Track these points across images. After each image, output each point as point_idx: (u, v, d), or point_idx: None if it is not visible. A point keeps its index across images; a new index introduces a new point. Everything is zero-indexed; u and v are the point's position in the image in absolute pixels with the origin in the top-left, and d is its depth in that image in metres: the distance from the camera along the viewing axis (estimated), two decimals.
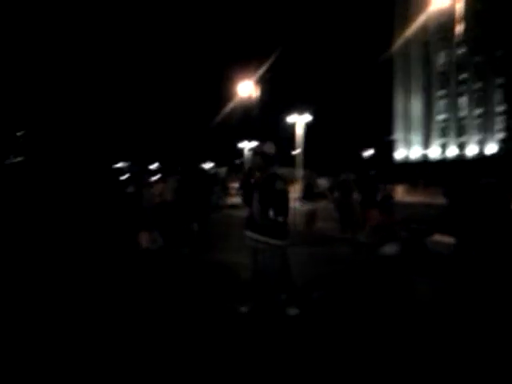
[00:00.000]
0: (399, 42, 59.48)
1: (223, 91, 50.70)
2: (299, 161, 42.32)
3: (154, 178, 19.91)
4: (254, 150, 5.22)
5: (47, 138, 69.35)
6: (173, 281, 6.70)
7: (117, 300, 5.65)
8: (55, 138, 69.36)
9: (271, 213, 4.86)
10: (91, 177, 31.43)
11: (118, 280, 6.69)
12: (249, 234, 5.09)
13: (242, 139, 56.50)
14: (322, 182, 12.49)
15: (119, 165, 61.76)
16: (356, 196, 10.98)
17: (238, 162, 62.26)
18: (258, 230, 4.99)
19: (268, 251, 4.97)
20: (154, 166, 52.81)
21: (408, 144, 61.75)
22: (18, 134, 70.38)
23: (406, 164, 59.09)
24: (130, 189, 20.38)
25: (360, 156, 57.72)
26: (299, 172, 41.60)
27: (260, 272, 5.07)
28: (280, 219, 4.88)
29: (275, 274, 5.00)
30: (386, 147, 59.10)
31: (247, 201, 5.15)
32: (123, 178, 23.71)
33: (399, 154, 62.04)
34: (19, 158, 51.70)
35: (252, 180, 5.20)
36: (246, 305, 5.14)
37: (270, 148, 5.13)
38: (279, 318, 4.97)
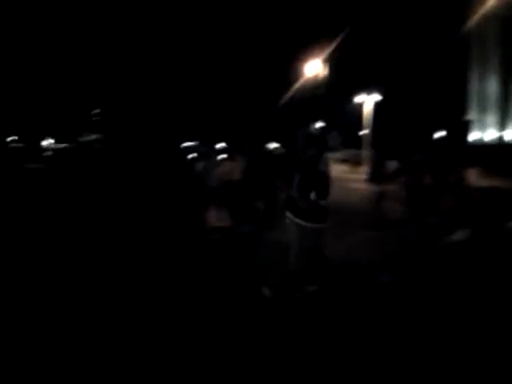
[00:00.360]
0: (475, 18, 56.11)
1: (290, 71, 50.19)
2: (366, 142, 41.41)
3: (222, 157, 20.22)
4: (299, 130, 5.13)
5: (121, 117, 72.02)
6: (224, 258, 6.81)
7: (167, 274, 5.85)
8: (128, 117, 71.89)
9: (313, 195, 4.75)
10: (160, 154, 32.47)
11: (177, 256, 6.92)
12: (288, 215, 4.99)
13: (308, 120, 55.99)
14: (393, 164, 12.15)
15: (187, 144, 63.18)
16: (427, 179, 10.62)
17: None
18: (296, 211, 4.89)
19: (303, 233, 4.86)
20: (220, 146, 53.54)
21: (482, 125, 58.62)
22: (93, 112, 73.67)
23: (480, 146, 56.22)
24: (198, 167, 20.86)
25: (431, 137, 55.50)
26: (366, 153, 40.79)
27: (295, 252, 4.97)
28: (322, 202, 4.78)
29: (305, 257, 4.88)
30: (460, 128, 56.40)
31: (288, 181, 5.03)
32: (191, 156, 24.21)
33: (473, 136, 59.11)
34: (94, 136, 54.29)
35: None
36: (275, 288, 5.04)
37: (313, 129, 5.04)
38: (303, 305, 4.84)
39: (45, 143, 62.79)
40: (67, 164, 30.72)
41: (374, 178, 11.40)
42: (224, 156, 19.96)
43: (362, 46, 59.10)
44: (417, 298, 5.15)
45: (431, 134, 56.13)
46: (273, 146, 49.30)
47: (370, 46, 60.53)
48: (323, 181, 4.82)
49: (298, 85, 47.07)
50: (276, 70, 63.40)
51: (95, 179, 22.36)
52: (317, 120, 53.19)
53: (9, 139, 58.79)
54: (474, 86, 60.53)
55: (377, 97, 41.85)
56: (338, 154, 49.03)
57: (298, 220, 4.87)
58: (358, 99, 42.85)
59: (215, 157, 24.12)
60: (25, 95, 69.28)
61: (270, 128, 57.26)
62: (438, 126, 56.27)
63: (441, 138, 56.15)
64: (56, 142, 60.85)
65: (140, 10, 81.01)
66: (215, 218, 8.78)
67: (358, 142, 47.57)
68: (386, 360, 3.67)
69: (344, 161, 42.76)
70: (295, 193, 4.86)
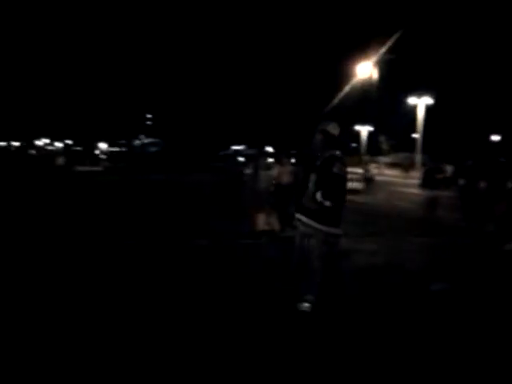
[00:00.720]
0: None
1: (340, 73, 49.74)
2: (419, 146, 40.45)
3: (270, 161, 20.26)
4: (317, 129, 4.85)
5: (173, 121, 73.68)
6: (270, 262, 6.82)
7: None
8: (180, 121, 73.44)
9: (318, 195, 4.55)
10: (210, 157, 33.04)
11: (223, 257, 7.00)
12: (298, 216, 4.78)
13: (358, 122, 55.28)
14: (447, 169, 11.85)
15: (235, 147, 63.79)
16: (483, 184, 10.29)
17: (353, 145, 61.04)
18: (307, 212, 4.68)
19: (313, 236, 4.62)
20: (269, 149, 53.68)
21: None
22: (148, 115, 75.76)
23: None
24: (248, 170, 20.95)
25: (488, 141, 53.47)
26: (419, 157, 39.83)
27: (304, 258, 4.71)
28: (327, 204, 4.53)
29: (314, 263, 4.62)
30: None
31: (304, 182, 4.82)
32: (241, 159, 24.45)
33: None
34: (150, 139, 55.91)
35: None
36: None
37: (333, 128, 4.78)
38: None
39: (101, 146, 65.09)
40: (123, 166, 31.77)
41: (426, 183, 11.13)
42: (272, 159, 20.01)
43: (414, 47, 57.77)
44: (472, 309, 4.99)
45: (486, 138, 54.09)
46: None
47: (422, 47, 59.09)
48: (334, 182, 4.59)
49: (348, 87, 46.56)
50: (325, 72, 63.02)
51: (149, 181, 23.04)
52: (366, 123, 52.46)
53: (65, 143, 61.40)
54: None
55: (428, 100, 40.83)
56: (388, 158, 48.21)
57: (306, 220, 4.66)
58: (410, 101, 41.93)
59: (263, 160, 24.26)
60: (80, 100, 72.07)
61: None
62: (492, 130, 54.17)
63: (497, 142, 53.98)
64: (110, 146, 62.93)
65: (195, 16, 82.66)
66: (264, 221, 8.82)
67: (410, 145, 46.52)
68: (437, 373, 3.59)
69: (395, 165, 41.87)
70: (310, 195, 4.65)
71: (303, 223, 4.71)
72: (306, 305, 4.57)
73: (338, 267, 4.95)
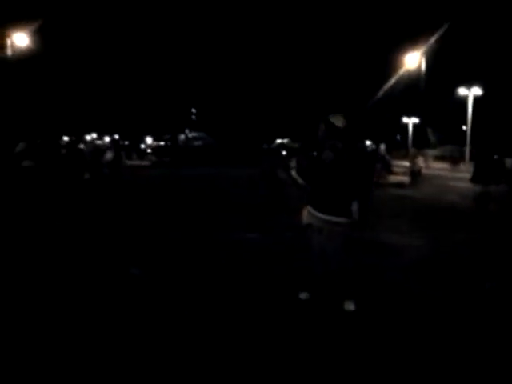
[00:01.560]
0: None
1: (388, 64, 48.67)
2: (468, 138, 39.17)
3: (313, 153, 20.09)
4: (321, 121, 4.76)
5: (217, 116, 74.39)
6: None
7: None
8: (223, 115, 74.06)
9: (354, 206, 4.45)
10: (253, 151, 33.08)
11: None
12: (311, 211, 4.70)
13: (405, 114, 54.03)
14: (508, 162, 11.35)
15: (279, 141, 63.66)
16: None
17: (398, 137, 59.74)
18: (323, 207, 4.59)
19: (332, 231, 4.54)
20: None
21: None
22: (193, 110, 76.76)
23: None
24: (291, 164, 20.81)
25: None
26: (467, 150, 38.59)
27: (321, 254, 4.68)
28: (351, 200, 4.46)
29: (337, 257, 4.58)
30: None
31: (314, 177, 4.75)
32: (283, 153, 24.36)
33: None
34: (194, 133, 56.69)
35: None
36: (306, 291, 4.82)
37: (337, 120, 4.67)
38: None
39: (147, 141, 66.41)
40: (169, 160, 32.31)
41: (477, 177, 10.77)
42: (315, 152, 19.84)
43: (464, 37, 55.78)
44: None
45: None
46: (367, 142, 48.12)
47: (472, 37, 56.98)
48: (356, 176, 4.50)
49: (395, 78, 45.50)
50: (373, 63, 61.83)
51: (194, 174, 23.39)
52: (413, 115, 51.21)
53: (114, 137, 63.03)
54: None
55: (477, 90, 39.38)
56: (435, 151, 46.90)
57: (323, 216, 4.58)
58: (459, 93, 40.60)
59: (307, 153, 24.18)
60: (126, 94, 73.70)
61: (364, 124, 56.05)
62: None
63: None
64: (155, 140, 64.11)
65: (236, 10, 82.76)
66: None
67: (457, 138, 45.11)
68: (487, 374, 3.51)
69: (442, 158, 40.72)
70: (323, 189, 4.60)
71: (320, 219, 4.62)
72: (351, 306, 4.56)
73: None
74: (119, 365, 3.43)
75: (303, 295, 4.84)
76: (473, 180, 10.94)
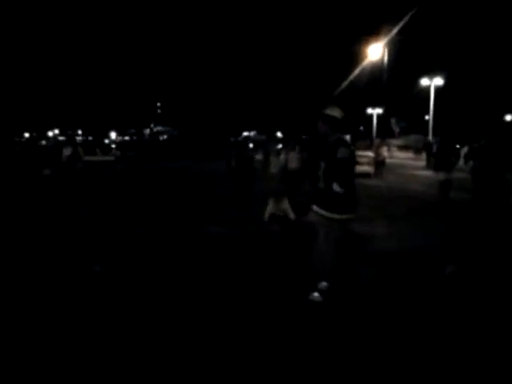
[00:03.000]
0: None
1: (351, 56, 49.12)
2: (430, 127, 39.95)
3: (280, 146, 20.23)
4: (319, 114, 4.78)
5: (182, 109, 73.62)
6: (281, 248, 6.83)
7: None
8: (189, 108, 73.35)
9: (335, 186, 4.48)
10: (219, 144, 33.02)
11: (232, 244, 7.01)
12: (313, 208, 4.68)
13: (369, 105, 54.73)
14: (463, 150, 11.69)
15: (245, 133, 63.63)
16: (493, 165, 10.12)
17: (362, 128, 60.56)
18: (321, 202, 4.60)
19: (327, 226, 4.59)
20: (278, 135, 53.46)
21: None
22: (158, 104, 75.85)
23: None
24: (258, 156, 20.83)
25: (502, 121, 52.60)
26: (430, 139, 39.36)
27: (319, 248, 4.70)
28: (339, 190, 4.47)
29: (330, 252, 4.61)
30: None
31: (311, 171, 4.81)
32: (250, 146, 24.27)
33: None
34: (160, 127, 56.13)
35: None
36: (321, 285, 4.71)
37: (335, 112, 4.71)
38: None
39: (112, 136, 65.30)
40: (134, 155, 31.79)
41: (438, 165, 10.99)
42: (281, 145, 19.93)
43: (425, 28, 56.78)
44: (485, 291, 4.93)
45: (502, 118, 53.20)
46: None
47: (434, 27, 58.11)
48: (341, 168, 4.51)
49: (358, 69, 45.96)
50: (336, 55, 62.36)
51: (159, 169, 23.09)
52: (377, 105, 51.92)
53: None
54: None
55: (439, 81, 40.19)
56: (399, 141, 47.71)
57: (323, 212, 4.57)
58: (421, 83, 41.33)
59: (274, 146, 24.21)
60: (90, 90, 72.25)
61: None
62: (507, 109, 53.24)
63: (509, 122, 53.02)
64: (120, 135, 63.13)
65: (205, 5, 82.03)
66: (277, 207, 8.76)
67: (421, 127, 45.99)
68: (452, 356, 3.55)
69: (406, 147, 41.44)
70: (321, 184, 4.58)
71: (316, 212, 4.64)
72: (316, 295, 4.57)
73: (350, 253, 4.88)
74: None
75: (322, 286, 4.66)
76: (435, 168, 11.15)
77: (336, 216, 4.56)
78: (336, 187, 4.51)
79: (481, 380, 3.21)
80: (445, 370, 3.30)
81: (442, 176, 10.69)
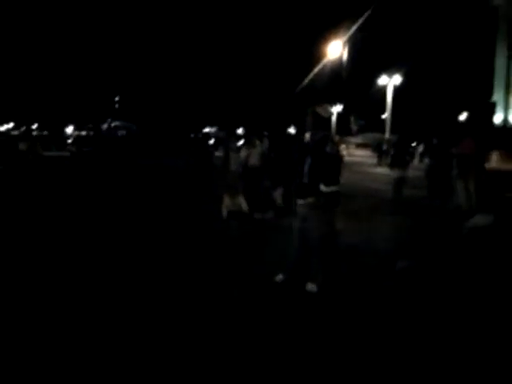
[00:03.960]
0: None
1: (310, 53, 49.58)
2: (388, 126, 40.84)
3: (241, 143, 20.23)
4: (307, 111, 4.88)
5: (141, 104, 72.43)
6: (239, 244, 6.88)
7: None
8: (148, 103, 72.24)
9: (322, 186, 4.54)
10: (180, 140, 32.68)
11: (191, 240, 6.99)
12: (299, 202, 4.81)
13: (328, 102, 55.36)
14: (419, 148, 12.01)
15: (207, 129, 63.28)
16: (448, 163, 10.48)
17: None
18: (305, 195, 4.70)
19: (313, 217, 4.67)
20: (239, 131, 53.41)
21: (507, 107, 57.10)
22: (116, 98, 74.21)
23: (504, 129, 54.82)
24: (219, 153, 20.83)
25: (456, 120, 54.30)
26: (389, 137, 40.24)
27: (304, 240, 4.80)
28: (332, 189, 4.56)
29: (319, 242, 4.69)
30: (486, 110, 54.88)
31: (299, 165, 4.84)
32: (210, 142, 24.19)
33: (497, 118, 57.66)
34: (118, 122, 55.01)
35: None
36: (284, 273, 4.92)
37: (323, 110, 4.84)
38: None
39: (69, 130, 63.46)
40: (91, 151, 31.04)
41: (394, 162, 11.26)
42: (242, 141, 19.92)
43: (384, 26, 57.92)
44: (437, 284, 5.09)
45: (456, 117, 54.92)
46: (293, 130, 48.95)
47: (392, 26, 59.32)
48: (331, 164, 4.59)
49: (318, 67, 46.42)
50: (296, 52, 62.72)
51: (120, 165, 22.64)
52: (337, 103, 52.64)
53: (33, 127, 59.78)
54: (499, 66, 58.87)
55: (397, 79, 41.10)
56: (357, 139, 48.60)
57: (308, 208, 4.68)
58: (380, 81, 42.14)
59: (235, 142, 24.20)
60: (46, 82, 70.11)
61: (290, 112, 56.89)
62: (462, 108, 55.03)
63: (466, 121, 54.82)
64: (77, 129, 61.47)
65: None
66: (233, 203, 8.78)
67: (379, 125, 46.96)
68: (402, 352, 3.66)
69: (364, 145, 42.20)
70: (305, 179, 4.67)
71: (302, 205, 4.75)
72: (312, 286, 4.68)
73: (334, 247, 4.94)
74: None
75: (279, 278, 4.89)
76: (390, 166, 11.42)
77: (321, 211, 4.61)
78: (323, 187, 4.55)
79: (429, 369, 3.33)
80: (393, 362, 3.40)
81: (396, 174, 10.95)
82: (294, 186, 4.94)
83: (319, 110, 4.80)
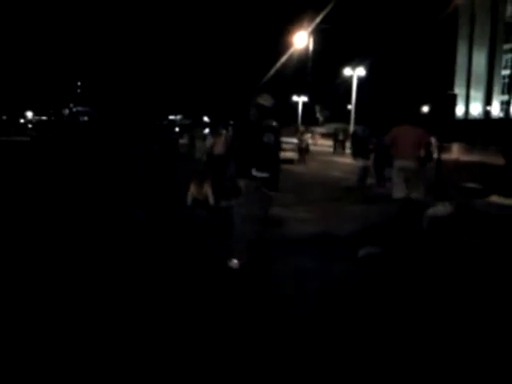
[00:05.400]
0: None
1: (276, 43, 49.56)
2: (353, 116, 41.36)
3: (207, 131, 20.10)
4: (251, 102, 5.11)
5: (104, 90, 70.83)
6: (189, 231, 6.88)
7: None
8: (112, 89, 70.72)
9: (253, 171, 4.84)
10: (144, 128, 32.21)
11: (157, 228, 6.93)
12: (240, 181, 5.10)
13: (295, 92, 55.54)
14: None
15: (172, 117, 62.50)
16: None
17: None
18: (240, 176, 5.07)
19: (245, 197, 5.01)
20: (206, 119, 53.02)
21: (468, 100, 58.77)
22: (78, 83, 72.31)
23: (466, 121, 56.44)
24: (183, 140, 20.57)
25: (418, 111, 55.39)
26: (352, 128, 40.80)
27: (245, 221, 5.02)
28: (264, 175, 4.87)
29: (241, 226, 4.98)
30: (447, 102, 56.13)
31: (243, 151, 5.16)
32: (176, 129, 23.90)
33: (458, 111, 59.25)
34: (80, 108, 53.65)
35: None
36: (238, 259, 5.01)
37: (266, 100, 5.04)
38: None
39: (29, 116, 61.52)
40: (54, 136, 30.22)
41: (357, 153, 11.42)
42: (208, 129, 19.79)
43: (349, 18, 58.38)
44: (398, 272, 5.20)
45: (418, 108, 56.04)
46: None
47: (357, 18, 59.87)
48: (266, 152, 4.88)
49: (283, 57, 46.48)
50: (263, 42, 62.53)
51: (82, 150, 22.13)
52: (302, 93, 52.92)
53: None
54: (461, 59, 60.41)
55: (361, 71, 41.61)
56: (322, 129, 49.09)
57: (250, 185, 4.95)
58: (344, 73, 42.56)
59: (200, 130, 23.99)
60: (5, 67, 67.63)
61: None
62: (424, 100, 56.20)
63: (428, 113, 56.03)
64: (37, 115, 59.64)
65: None
66: (198, 192, 8.73)
67: (345, 116, 47.46)
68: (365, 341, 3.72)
69: (329, 135, 42.66)
70: (242, 162, 5.02)
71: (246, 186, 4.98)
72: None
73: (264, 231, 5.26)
74: None
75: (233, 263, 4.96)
76: (354, 155, 11.57)
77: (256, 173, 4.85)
78: (255, 172, 4.84)
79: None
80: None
81: (360, 163, 11.11)
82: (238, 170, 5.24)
83: (261, 100, 5.02)
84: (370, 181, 10.96)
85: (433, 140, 19.93)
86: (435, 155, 9.90)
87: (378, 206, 9.50)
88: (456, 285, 4.90)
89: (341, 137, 34.31)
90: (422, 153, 8.09)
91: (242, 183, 5.04)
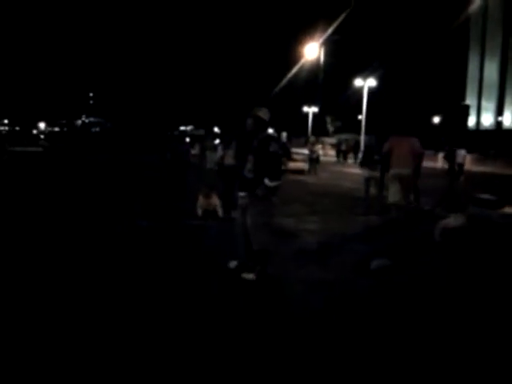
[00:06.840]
0: (476, 2, 55.63)
1: (287, 55, 49.77)
2: (363, 127, 41.28)
3: (218, 141, 20.17)
4: (248, 114, 5.30)
5: (117, 101, 71.55)
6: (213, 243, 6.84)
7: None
8: (124, 101, 71.41)
9: (266, 180, 4.99)
10: (156, 138, 32.43)
11: (166, 238, 6.92)
12: (241, 194, 5.23)
13: (306, 103, 55.67)
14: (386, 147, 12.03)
15: (184, 128, 62.92)
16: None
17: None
18: (250, 188, 5.11)
19: (251, 207, 5.12)
20: (216, 130, 53.22)
21: (480, 110, 58.49)
22: (91, 94, 73.14)
23: (477, 132, 56.11)
24: (194, 150, 20.66)
25: (430, 122, 55.19)
26: (362, 138, 40.73)
27: (246, 229, 5.20)
28: (276, 183, 5.05)
29: (252, 230, 5.12)
30: (459, 113, 55.95)
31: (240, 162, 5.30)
32: (187, 140, 24.03)
33: (470, 121, 58.98)
34: (92, 118, 54.16)
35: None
36: (236, 261, 5.31)
37: (264, 113, 5.26)
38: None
39: (41, 127, 62.28)
40: (64, 146, 30.53)
41: (364, 163, 11.33)
42: (219, 140, 19.85)
43: (360, 29, 58.54)
44: (413, 283, 5.14)
45: (430, 119, 55.85)
46: (270, 130, 48.98)
47: (368, 29, 59.98)
48: (274, 161, 5.06)
49: (295, 68, 46.66)
50: (275, 53, 62.87)
51: (92, 160, 22.33)
52: (313, 104, 53.01)
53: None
54: (473, 69, 60.24)
55: (372, 81, 41.60)
56: (333, 139, 49.03)
57: (250, 198, 5.09)
58: (355, 84, 42.57)
59: (211, 141, 24.10)
60: (18, 78, 68.67)
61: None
62: (436, 111, 56.00)
63: (440, 123, 55.81)
64: (49, 125, 60.30)
65: None
66: (207, 203, 8.73)
67: (356, 126, 47.41)
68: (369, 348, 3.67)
69: (340, 145, 42.60)
70: (250, 174, 5.08)
71: (242, 197, 5.21)
72: (234, 263, 5.25)
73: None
74: None
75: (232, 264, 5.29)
76: (361, 164, 11.48)
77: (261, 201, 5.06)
78: (267, 182, 5.00)
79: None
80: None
81: (366, 173, 11.03)
82: (237, 181, 5.40)
83: (260, 113, 5.24)
84: (373, 191, 10.85)
85: (463, 152, 19.77)
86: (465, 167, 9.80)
87: (388, 216, 9.42)
88: (467, 297, 4.83)
89: (343, 147, 34.99)
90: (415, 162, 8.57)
91: (242, 194, 5.20)
